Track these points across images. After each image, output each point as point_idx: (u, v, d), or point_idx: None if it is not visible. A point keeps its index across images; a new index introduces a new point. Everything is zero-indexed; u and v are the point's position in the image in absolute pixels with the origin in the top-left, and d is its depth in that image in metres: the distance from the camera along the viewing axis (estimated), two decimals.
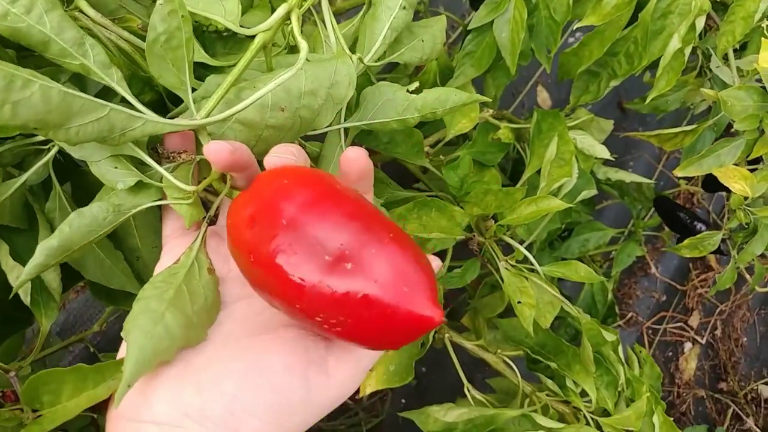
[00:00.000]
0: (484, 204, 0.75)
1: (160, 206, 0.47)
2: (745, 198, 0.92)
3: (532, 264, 0.76)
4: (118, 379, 0.38)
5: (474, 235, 0.76)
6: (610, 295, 1.18)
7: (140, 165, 0.45)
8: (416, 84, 0.54)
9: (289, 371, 0.38)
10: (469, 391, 0.82)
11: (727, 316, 1.81)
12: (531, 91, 1.77)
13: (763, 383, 1.77)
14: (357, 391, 0.82)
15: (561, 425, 0.84)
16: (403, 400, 1.51)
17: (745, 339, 1.81)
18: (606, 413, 0.90)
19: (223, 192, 0.44)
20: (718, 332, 1.78)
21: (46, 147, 0.48)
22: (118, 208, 0.42)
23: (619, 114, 1.86)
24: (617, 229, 1.14)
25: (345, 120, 0.55)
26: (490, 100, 0.89)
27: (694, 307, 1.77)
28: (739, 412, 1.72)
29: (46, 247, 0.40)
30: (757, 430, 1.70)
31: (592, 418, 0.90)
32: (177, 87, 0.43)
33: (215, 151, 0.40)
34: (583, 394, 0.90)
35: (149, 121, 0.41)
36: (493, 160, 0.88)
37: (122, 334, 0.35)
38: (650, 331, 1.75)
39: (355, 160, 0.42)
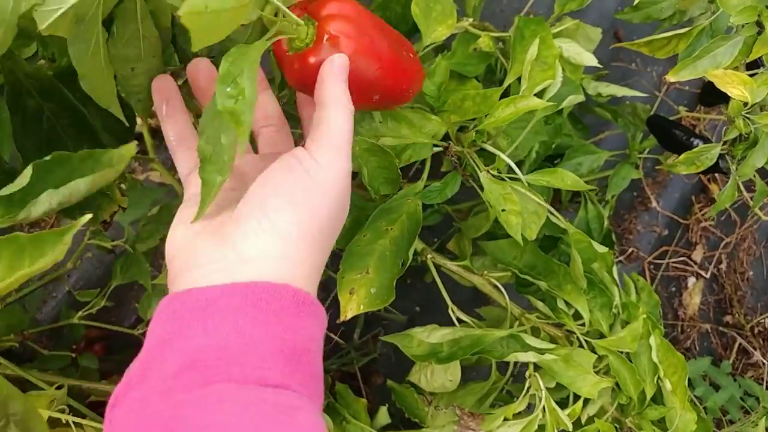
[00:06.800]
0: (462, 111, 0.71)
1: None
2: (745, 104, 0.87)
3: (515, 174, 0.72)
4: (59, 251, 0.34)
5: (450, 143, 0.71)
6: (606, 223, 1.13)
7: None
8: None
9: (286, 170, 0.47)
10: (453, 312, 0.79)
11: (732, 249, 1.75)
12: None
13: None
14: (344, 327, 0.78)
15: (552, 345, 0.80)
16: None
17: (751, 273, 1.76)
18: (601, 336, 0.86)
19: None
20: (723, 266, 1.73)
21: None
22: None
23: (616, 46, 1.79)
24: (611, 151, 1.09)
25: None
26: None
27: (698, 241, 1.72)
28: (746, 345, 1.68)
29: None
30: (765, 362, 1.66)
31: (585, 341, 0.86)
32: None
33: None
34: (577, 317, 0.86)
35: None
36: (473, 71, 0.82)
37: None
38: (652, 267, 1.71)
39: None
